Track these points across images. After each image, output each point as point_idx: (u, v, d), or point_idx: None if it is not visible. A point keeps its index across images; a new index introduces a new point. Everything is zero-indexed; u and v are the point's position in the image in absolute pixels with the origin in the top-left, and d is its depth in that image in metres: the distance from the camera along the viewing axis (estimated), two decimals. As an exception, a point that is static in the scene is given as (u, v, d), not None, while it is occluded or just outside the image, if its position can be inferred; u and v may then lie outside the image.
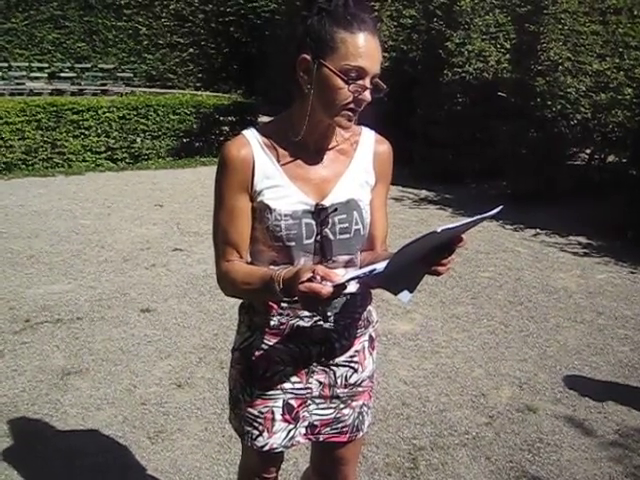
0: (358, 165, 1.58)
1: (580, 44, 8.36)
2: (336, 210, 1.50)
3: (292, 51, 1.43)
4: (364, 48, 1.36)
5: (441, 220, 7.52)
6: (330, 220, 1.50)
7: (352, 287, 1.56)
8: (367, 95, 1.40)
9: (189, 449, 2.91)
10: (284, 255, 1.50)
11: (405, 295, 1.42)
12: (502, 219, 7.49)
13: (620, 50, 8.73)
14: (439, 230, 1.22)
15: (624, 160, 8.89)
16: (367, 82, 1.39)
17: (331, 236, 1.51)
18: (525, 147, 8.36)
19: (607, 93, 8.09)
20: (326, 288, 1.25)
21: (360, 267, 1.57)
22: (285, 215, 1.47)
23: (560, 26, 8.21)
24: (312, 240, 1.49)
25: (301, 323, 1.56)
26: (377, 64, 1.40)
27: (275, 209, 1.47)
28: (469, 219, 1.30)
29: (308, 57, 1.39)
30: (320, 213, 1.49)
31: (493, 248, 6.45)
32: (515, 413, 3.34)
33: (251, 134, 1.53)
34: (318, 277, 1.26)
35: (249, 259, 1.59)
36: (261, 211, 1.50)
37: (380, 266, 1.29)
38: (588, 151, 9.74)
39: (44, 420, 3.10)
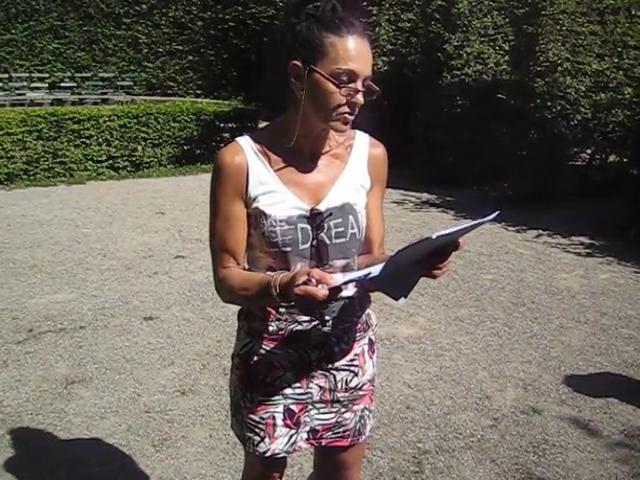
0: (353, 169, 1.58)
1: (579, 44, 8.36)
2: (331, 214, 1.50)
3: (283, 58, 1.43)
4: (354, 51, 1.37)
5: (443, 223, 7.52)
6: (326, 224, 1.50)
7: (349, 290, 1.56)
8: (360, 98, 1.41)
9: (194, 456, 2.91)
10: (280, 261, 1.50)
11: (402, 298, 1.43)
12: (504, 221, 7.48)
13: (619, 50, 8.73)
14: (434, 236, 1.23)
15: (625, 160, 8.88)
16: (359, 85, 1.39)
17: (327, 240, 1.51)
18: (526, 148, 8.36)
19: (607, 93, 8.08)
20: (322, 291, 1.25)
21: (357, 270, 1.57)
22: (280, 220, 1.47)
23: (558, 27, 8.22)
24: (308, 245, 1.50)
25: (300, 328, 1.56)
26: (368, 66, 1.40)
27: (270, 215, 1.48)
28: (465, 224, 1.30)
29: (299, 63, 1.40)
30: (315, 218, 1.49)
31: (495, 250, 6.44)
32: (520, 415, 3.33)
33: (244, 141, 1.53)
34: (314, 280, 1.26)
35: (246, 266, 1.60)
36: (256, 217, 1.50)
37: (376, 270, 1.30)
38: (589, 151, 9.73)
39: (48, 430, 3.10)
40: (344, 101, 1.40)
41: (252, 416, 1.64)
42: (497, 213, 1.36)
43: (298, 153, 1.52)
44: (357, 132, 1.63)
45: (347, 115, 1.43)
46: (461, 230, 1.29)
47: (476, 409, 3.38)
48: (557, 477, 2.82)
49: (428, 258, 1.35)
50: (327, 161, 1.56)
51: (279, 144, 1.52)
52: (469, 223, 1.31)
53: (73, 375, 3.64)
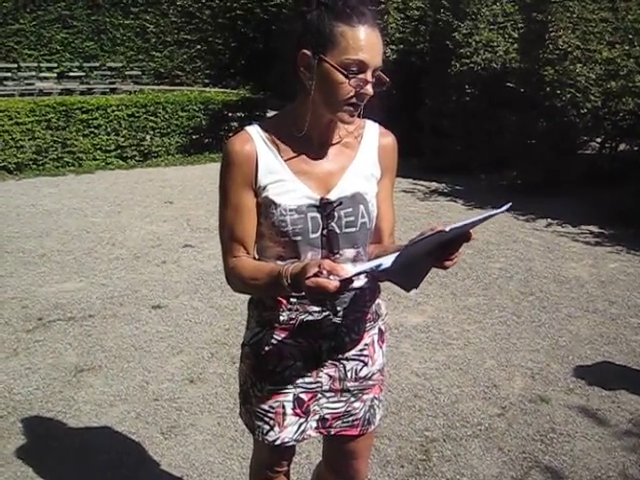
0: (363, 158, 1.57)
1: (589, 32, 8.26)
2: (341, 204, 1.50)
3: (292, 47, 1.42)
4: (364, 41, 1.35)
5: (452, 212, 7.50)
6: (336, 214, 1.50)
7: (359, 281, 1.56)
8: (369, 89, 1.39)
9: (202, 444, 2.93)
10: (291, 250, 1.50)
11: (412, 289, 1.43)
12: (513, 210, 7.43)
13: (630, 37, 8.60)
14: (447, 229, 1.24)
15: (635, 148, 8.81)
16: (369, 75, 1.38)
17: (337, 230, 1.50)
18: (535, 137, 8.30)
19: (617, 81, 7.99)
20: (333, 283, 1.24)
21: (368, 260, 1.57)
22: (290, 210, 1.47)
23: (568, 14, 8.13)
24: (318, 234, 1.49)
25: (310, 318, 1.56)
26: (378, 57, 1.39)
27: (280, 204, 1.47)
28: (477, 217, 1.31)
29: (308, 53, 1.39)
30: (326, 207, 1.49)
31: (504, 239, 6.42)
32: (527, 404, 3.33)
33: (254, 130, 1.53)
34: (325, 272, 1.26)
35: (256, 255, 1.59)
36: (266, 207, 1.50)
37: (387, 261, 1.30)
38: (599, 140, 9.65)
39: (58, 417, 3.12)
40: (353, 92, 1.38)
41: (262, 405, 1.65)
42: (509, 205, 1.36)
43: (308, 142, 1.51)
44: (367, 121, 1.61)
45: (355, 106, 1.41)
46: (473, 222, 1.30)
47: (484, 398, 3.39)
48: (564, 466, 2.83)
49: (439, 249, 1.35)
50: (337, 150, 1.55)
51: (288, 133, 1.51)
52: (481, 215, 1.31)
53: (82, 363, 3.67)
